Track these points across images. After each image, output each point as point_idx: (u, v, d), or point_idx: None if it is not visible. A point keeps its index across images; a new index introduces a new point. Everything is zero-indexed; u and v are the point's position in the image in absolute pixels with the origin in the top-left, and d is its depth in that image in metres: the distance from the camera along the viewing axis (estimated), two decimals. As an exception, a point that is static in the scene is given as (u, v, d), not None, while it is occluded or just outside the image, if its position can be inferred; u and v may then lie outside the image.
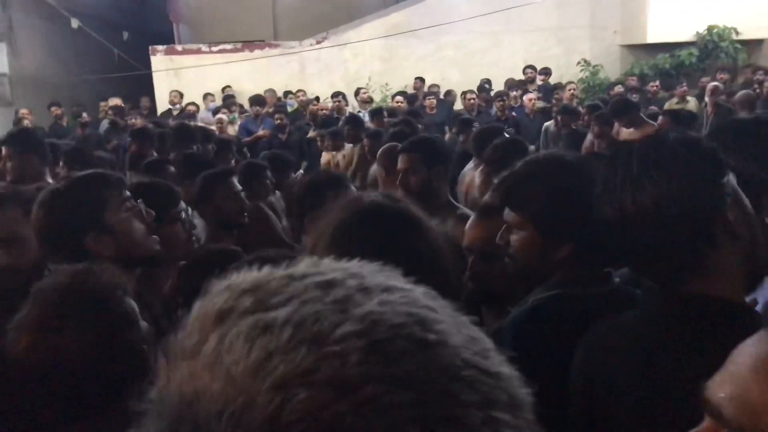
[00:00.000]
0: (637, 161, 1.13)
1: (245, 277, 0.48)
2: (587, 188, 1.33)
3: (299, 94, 11.02)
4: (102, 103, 11.45)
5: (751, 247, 1.12)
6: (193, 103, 10.88)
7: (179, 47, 13.25)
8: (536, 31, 12.72)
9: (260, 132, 9.48)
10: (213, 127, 8.59)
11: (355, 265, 0.51)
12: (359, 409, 0.38)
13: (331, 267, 0.50)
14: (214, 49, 12.84)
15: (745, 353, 0.70)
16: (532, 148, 8.50)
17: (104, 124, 10.56)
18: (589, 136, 6.96)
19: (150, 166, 4.36)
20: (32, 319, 1.23)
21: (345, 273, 0.48)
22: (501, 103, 9.30)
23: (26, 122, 9.62)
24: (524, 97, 9.57)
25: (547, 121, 8.42)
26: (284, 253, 1.61)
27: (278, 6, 15.62)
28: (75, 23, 15.68)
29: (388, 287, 0.47)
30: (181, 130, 5.66)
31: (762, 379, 0.66)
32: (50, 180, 3.62)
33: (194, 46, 13.24)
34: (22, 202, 2.20)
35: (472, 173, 4.37)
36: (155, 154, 5.82)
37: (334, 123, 9.29)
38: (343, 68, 12.77)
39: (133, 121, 9.79)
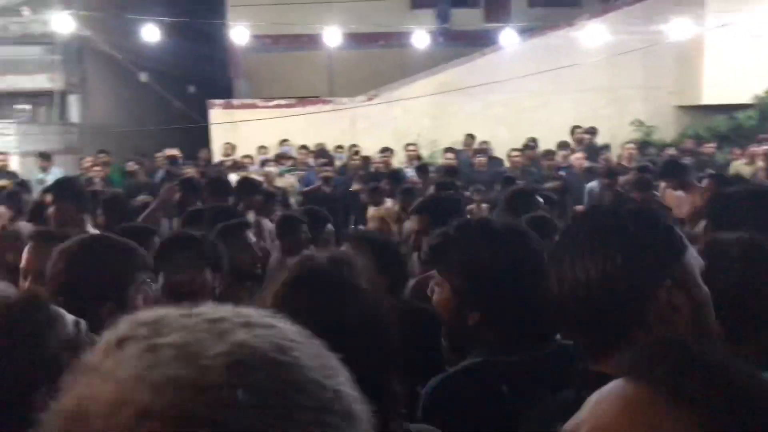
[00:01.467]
0: (583, 233, 1.12)
1: (149, 312, 0.59)
2: (510, 258, 1.39)
3: (354, 149, 11.18)
4: (158, 154, 11.92)
5: (695, 331, 1.07)
6: (248, 156, 11.21)
7: (236, 101, 13.78)
8: (587, 90, 12.70)
9: (316, 183, 9.71)
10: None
11: (249, 310, 0.61)
12: (212, 406, 0.50)
13: (225, 309, 0.60)
14: (270, 103, 13.30)
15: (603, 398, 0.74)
16: (579, 207, 8.55)
17: (160, 174, 10.97)
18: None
19: (189, 216, 4.50)
20: None
21: (233, 313, 0.59)
22: (548, 162, 9.27)
23: (96, 169, 10.08)
24: (572, 157, 9.51)
25: (594, 180, 8.32)
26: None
27: (334, 63, 16.12)
28: (144, 77, 16.55)
29: (266, 324, 0.58)
30: (215, 182, 5.84)
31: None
32: (90, 228, 3.78)
33: (250, 101, 13.75)
34: (55, 243, 2.34)
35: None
36: (199, 203, 6.04)
37: (382, 178, 9.45)
38: (393, 124, 13.00)
39: (188, 171, 10.15)
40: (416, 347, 1.80)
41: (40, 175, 10.77)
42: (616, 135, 11.91)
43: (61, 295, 1.88)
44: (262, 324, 0.57)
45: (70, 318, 1.37)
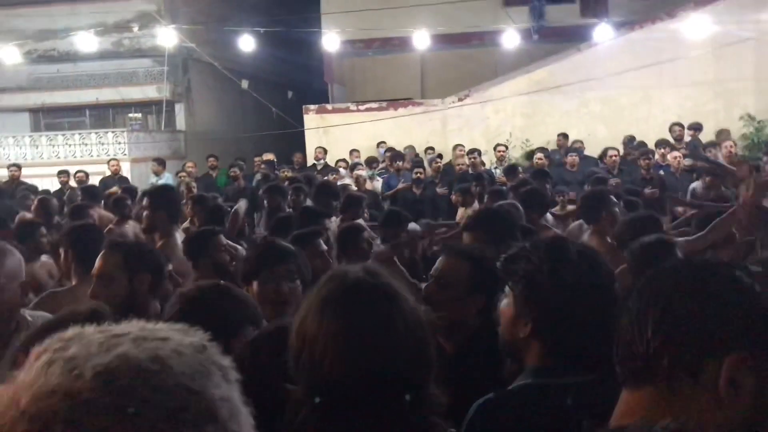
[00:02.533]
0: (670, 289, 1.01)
1: (73, 330, 0.68)
2: (572, 277, 1.40)
3: (459, 149, 11.03)
4: (256, 158, 12.34)
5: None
6: (343, 159, 11.34)
7: (329, 106, 14.05)
8: (691, 85, 12.01)
9: (400, 185, 9.76)
10: (348, 182, 8.96)
11: (163, 327, 0.69)
12: (72, 408, 0.59)
13: (139, 326, 0.68)
14: (361, 107, 13.47)
15: None
16: (680, 209, 8.11)
17: (257, 177, 11.37)
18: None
19: (277, 223, 4.59)
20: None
21: (141, 329, 0.67)
22: (646, 161, 8.85)
23: (182, 175, 10.63)
24: (669, 155, 9.04)
25: (696, 180, 7.87)
26: None
27: (426, 65, 16.13)
28: (245, 84, 17.21)
29: (160, 338, 0.66)
30: (271, 189, 6.02)
31: None
32: (178, 236, 3.96)
33: (343, 105, 13.98)
34: (123, 251, 2.49)
35: (585, 239, 4.17)
36: (288, 208, 6.20)
37: (470, 179, 9.35)
38: (484, 124, 12.83)
39: (284, 174, 10.47)
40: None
41: (154, 179, 11.45)
42: (723, 132, 11.20)
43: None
44: (157, 338, 0.66)
45: None
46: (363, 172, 9.82)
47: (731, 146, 9.02)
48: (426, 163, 10.75)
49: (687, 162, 8.77)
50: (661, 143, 9.49)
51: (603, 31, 12.46)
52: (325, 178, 9.78)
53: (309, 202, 6.06)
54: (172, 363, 0.63)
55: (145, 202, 4.16)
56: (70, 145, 15.61)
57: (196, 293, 1.96)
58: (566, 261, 1.54)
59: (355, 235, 3.70)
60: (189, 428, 0.62)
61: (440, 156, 10.89)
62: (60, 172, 11.03)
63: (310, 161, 12.43)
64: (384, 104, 13.48)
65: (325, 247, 3.16)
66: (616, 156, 9.29)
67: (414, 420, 1.20)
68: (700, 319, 0.96)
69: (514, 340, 1.58)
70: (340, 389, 1.17)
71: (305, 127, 13.60)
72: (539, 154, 10.05)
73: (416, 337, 1.21)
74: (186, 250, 3.53)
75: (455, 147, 11.21)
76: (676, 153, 8.87)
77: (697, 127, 10.48)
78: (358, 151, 11.94)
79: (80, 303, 2.19)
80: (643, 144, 10.33)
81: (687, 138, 10.30)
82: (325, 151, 11.93)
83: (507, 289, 1.63)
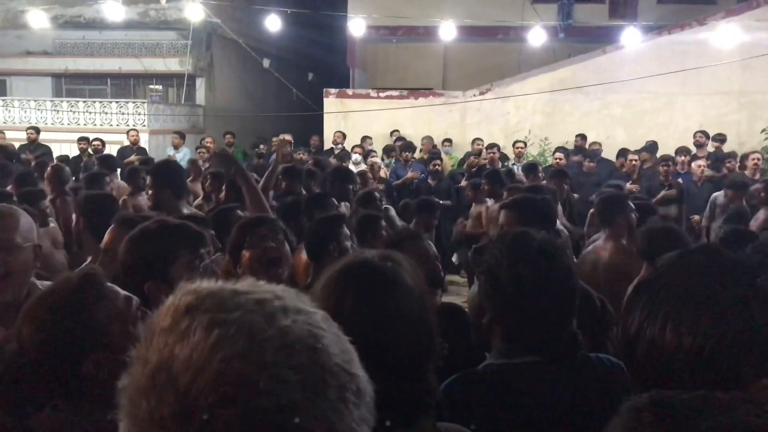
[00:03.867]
0: (700, 291, 1.03)
1: (204, 285, 0.71)
2: (530, 268, 1.53)
3: (477, 143, 10.95)
4: (274, 138, 12.36)
5: None
6: (358, 146, 11.30)
7: (350, 91, 14.03)
8: (715, 94, 11.90)
9: (409, 174, 9.73)
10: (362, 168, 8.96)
11: (279, 288, 0.73)
12: (270, 379, 0.63)
13: (263, 288, 0.72)
14: (381, 94, 13.44)
15: None
16: (696, 217, 8.07)
17: (274, 157, 11.39)
18: (762, 214, 6.35)
19: (286, 207, 4.62)
20: (26, 311, 1.46)
21: (272, 295, 0.71)
22: (665, 167, 8.78)
23: (209, 145, 10.68)
24: (693, 164, 8.94)
25: (717, 191, 7.82)
26: None
27: (449, 56, 16.06)
28: (266, 63, 17.24)
29: (299, 310, 0.70)
30: (288, 171, 6.05)
31: None
32: (185, 211, 3.97)
33: (363, 91, 13.96)
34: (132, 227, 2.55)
35: (597, 245, 4.17)
36: (304, 191, 6.22)
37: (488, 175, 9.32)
38: (504, 120, 12.78)
39: (299, 156, 10.48)
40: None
41: (171, 152, 11.51)
42: (744, 142, 11.10)
43: (123, 275, 2.05)
44: (296, 309, 0.70)
45: (122, 294, 1.52)
46: (378, 159, 9.81)
47: (758, 159, 8.84)
48: (444, 156, 10.70)
49: (708, 172, 8.69)
50: (682, 150, 9.41)
51: (630, 34, 12.35)
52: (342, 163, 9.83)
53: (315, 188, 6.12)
54: (326, 342, 0.69)
55: (148, 180, 4.12)
56: (90, 113, 15.70)
57: (135, 233, 2.10)
58: (525, 256, 1.62)
59: (374, 223, 3.72)
60: (354, 409, 0.67)
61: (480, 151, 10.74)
62: (80, 139, 11.12)
63: (327, 145, 12.44)
64: (404, 93, 13.46)
65: (347, 232, 3.17)
66: (636, 161, 9.24)
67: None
68: (740, 331, 0.99)
69: (479, 324, 1.70)
70: None
71: (324, 110, 13.60)
72: (558, 154, 10.00)
73: (411, 327, 1.21)
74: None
75: (474, 141, 11.16)
76: (700, 162, 8.76)
77: (721, 139, 10.37)
78: (370, 138, 11.86)
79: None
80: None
81: (710, 149, 10.20)
82: (344, 136, 11.90)
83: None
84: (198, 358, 0.63)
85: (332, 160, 10.35)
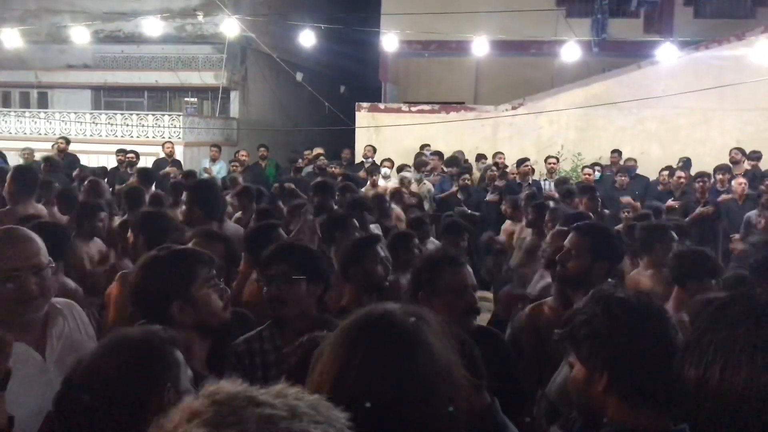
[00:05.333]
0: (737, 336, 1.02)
1: (225, 388, 0.70)
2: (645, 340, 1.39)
3: (498, 157, 11.04)
4: (306, 152, 12.47)
5: None
6: (388, 159, 11.27)
7: (382, 105, 14.10)
8: (754, 110, 11.68)
9: (454, 188, 9.76)
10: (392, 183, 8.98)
11: (307, 402, 0.70)
12: None
13: (286, 402, 0.69)
14: (413, 109, 13.48)
15: None
16: (736, 236, 7.90)
17: (307, 170, 11.48)
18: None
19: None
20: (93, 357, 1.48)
21: (289, 413, 0.67)
22: (702, 184, 8.63)
23: (234, 164, 10.83)
24: (733, 182, 8.77)
25: (755, 209, 7.65)
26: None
27: (481, 70, 16.05)
28: (299, 76, 17.43)
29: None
30: (321, 186, 6.04)
31: None
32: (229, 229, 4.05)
33: (395, 105, 14.02)
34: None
35: (637, 272, 4.11)
36: (335, 205, 6.26)
37: (516, 189, 9.28)
38: (536, 135, 12.71)
39: (332, 170, 10.54)
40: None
41: (207, 164, 11.70)
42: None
43: (136, 304, 2.10)
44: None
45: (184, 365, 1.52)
46: (409, 174, 9.83)
47: (793, 178, 8.70)
48: (475, 169, 10.69)
49: (747, 190, 8.52)
50: (721, 169, 9.24)
51: (666, 50, 12.20)
52: (369, 179, 9.86)
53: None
54: None
55: (185, 196, 4.24)
56: (128, 125, 16.04)
57: (145, 260, 2.15)
58: (636, 323, 1.50)
59: (407, 241, 3.75)
60: None
61: (497, 164, 10.69)
62: (118, 151, 11.36)
63: (359, 158, 12.50)
64: (436, 107, 13.47)
65: (383, 252, 3.18)
66: (684, 179, 9.12)
67: None
68: None
69: (588, 396, 1.54)
70: None
71: (356, 124, 13.69)
72: (588, 170, 9.92)
73: (430, 390, 1.08)
74: (246, 247, 3.59)
75: (495, 155, 11.10)
76: (741, 180, 8.60)
77: (756, 156, 10.17)
78: (390, 160, 11.40)
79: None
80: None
81: (746, 166, 10.00)
82: (375, 150, 11.93)
83: (573, 357, 1.59)
84: None
85: (362, 174, 10.42)
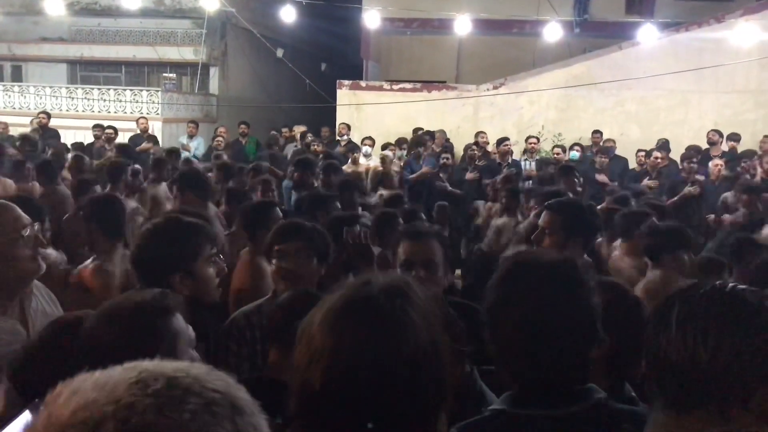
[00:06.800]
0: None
1: (165, 365, 0.71)
2: (547, 301, 1.35)
3: (480, 136, 11.07)
4: (284, 129, 12.39)
5: None
6: (369, 138, 11.21)
7: (363, 83, 14.01)
8: (732, 92, 11.81)
9: (424, 169, 9.70)
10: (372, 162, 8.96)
11: (226, 383, 0.71)
12: None
13: (191, 377, 0.69)
14: (395, 87, 13.42)
15: None
16: (711, 216, 8.01)
17: (289, 148, 11.40)
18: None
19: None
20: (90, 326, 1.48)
21: (199, 386, 0.68)
22: (690, 165, 8.70)
23: (218, 140, 10.72)
24: (710, 163, 8.88)
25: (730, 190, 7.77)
26: None
27: (463, 49, 16.00)
28: (280, 53, 17.24)
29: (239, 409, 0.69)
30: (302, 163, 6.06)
31: None
32: (210, 213, 4.08)
33: (376, 83, 13.94)
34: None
35: (619, 258, 4.13)
36: (316, 182, 6.23)
37: (496, 168, 9.30)
38: (517, 115, 12.74)
39: (315, 147, 10.48)
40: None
41: (185, 140, 11.55)
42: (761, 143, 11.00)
43: (138, 268, 2.10)
44: (234, 407, 0.68)
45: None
46: (389, 153, 9.79)
47: (772, 161, 8.78)
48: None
49: (724, 172, 8.62)
50: (692, 149, 9.35)
51: (647, 31, 12.24)
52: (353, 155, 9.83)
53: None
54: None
55: (174, 189, 4.36)
56: (105, 100, 15.79)
57: (151, 227, 2.18)
58: (542, 280, 1.44)
59: (393, 220, 3.77)
60: None
61: (477, 143, 10.67)
62: (95, 126, 11.18)
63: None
64: (418, 85, 13.42)
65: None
66: (661, 159, 9.20)
67: None
68: (753, 350, 1.07)
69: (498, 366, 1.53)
70: (314, 404, 1.07)
71: (338, 101, 13.60)
72: (557, 149, 10.02)
73: (417, 371, 1.08)
74: (243, 223, 3.61)
75: (477, 134, 11.12)
76: (718, 161, 8.71)
77: (735, 138, 10.29)
78: (371, 138, 11.26)
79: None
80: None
81: (724, 147, 10.13)
82: (349, 128, 11.83)
83: None
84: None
85: (341, 150, 10.34)
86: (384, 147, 10.34)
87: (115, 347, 1.37)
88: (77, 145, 10.08)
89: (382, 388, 1.06)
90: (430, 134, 11.18)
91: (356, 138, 11.63)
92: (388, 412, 1.06)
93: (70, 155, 7.45)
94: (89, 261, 3.19)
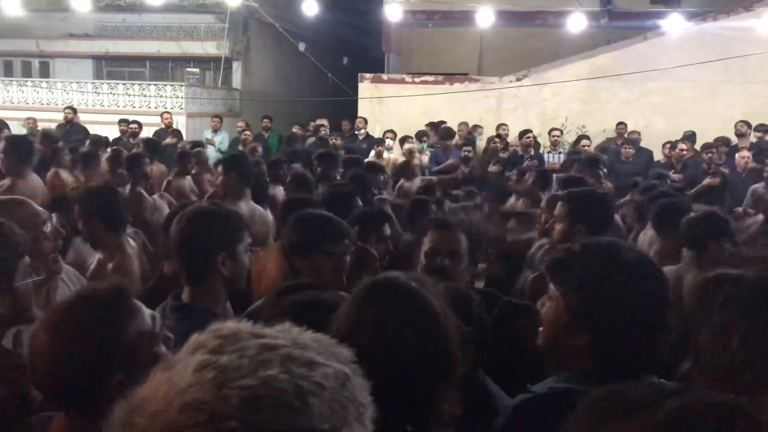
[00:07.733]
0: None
1: (229, 324, 0.71)
2: (635, 288, 1.34)
3: (502, 128, 11.02)
4: (312, 123, 12.44)
5: None
6: (390, 131, 11.22)
7: (385, 76, 13.99)
8: (761, 83, 11.58)
9: (450, 161, 9.70)
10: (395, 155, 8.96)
11: (312, 337, 0.71)
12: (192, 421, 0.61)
13: (289, 336, 0.70)
14: (417, 80, 13.38)
15: None
16: (739, 209, 7.89)
17: (309, 141, 11.43)
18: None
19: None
20: (49, 319, 1.40)
21: (293, 342, 0.68)
22: (709, 156, 8.60)
23: (246, 134, 10.77)
24: (737, 155, 8.75)
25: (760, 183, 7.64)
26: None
27: (485, 41, 15.89)
28: (302, 47, 17.28)
29: (307, 362, 0.67)
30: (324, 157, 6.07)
31: None
32: (249, 199, 4.14)
33: (398, 76, 13.91)
34: None
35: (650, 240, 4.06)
36: (337, 177, 6.24)
37: (519, 161, 9.25)
38: (540, 107, 12.64)
39: (333, 141, 10.51)
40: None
41: (209, 135, 11.65)
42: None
43: (181, 249, 2.15)
44: (305, 361, 0.66)
45: (147, 312, 1.46)
46: (413, 145, 9.79)
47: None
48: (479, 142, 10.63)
49: (752, 164, 8.49)
50: (721, 141, 9.22)
51: (673, 21, 12.06)
52: (373, 150, 9.84)
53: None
54: (313, 401, 0.64)
55: (219, 169, 4.34)
56: (129, 95, 15.97)
57: (191, 214, 2.21)
58: (628, 269, 1.42)
59: (426, 207, 3.82)
60: None
61: (500, 136, 10.63)
62: (121, 121, 11.33)
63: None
64: (440, 78, 13.37)
65: (389, 231, 3.20)
66: (686, 151, 9.10)
67: None
68: None
69: (562, 346, 1.48)
70: None
71: (359, 95, 13.61)
72: (585, 141, 9.91)
73: (429, 346, 1.20)
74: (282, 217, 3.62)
75: (499, 126, 11.08)
76: (745, 153, 8.59)
77: (764, 129, 10.11)
78: (393, 131, 11.09)
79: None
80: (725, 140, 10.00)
81: (753, 139, 9.96)
82: (366, 122, 11.85)
83: (553, 291, 1.52)
84: (163, 404, 0.63)
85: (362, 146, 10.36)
86: (403, 140, 10.32)
87: (76, 336, 1.35)
88: (115, 144, 10.21)
89: (399, 359, 1.13)
90: (434, 125, 11.09)
91: (377, 131, 11.64)
92: (399, 385, 1.11)
93: (108, 149, 7.54)
94: (94, 260, 3.18)
